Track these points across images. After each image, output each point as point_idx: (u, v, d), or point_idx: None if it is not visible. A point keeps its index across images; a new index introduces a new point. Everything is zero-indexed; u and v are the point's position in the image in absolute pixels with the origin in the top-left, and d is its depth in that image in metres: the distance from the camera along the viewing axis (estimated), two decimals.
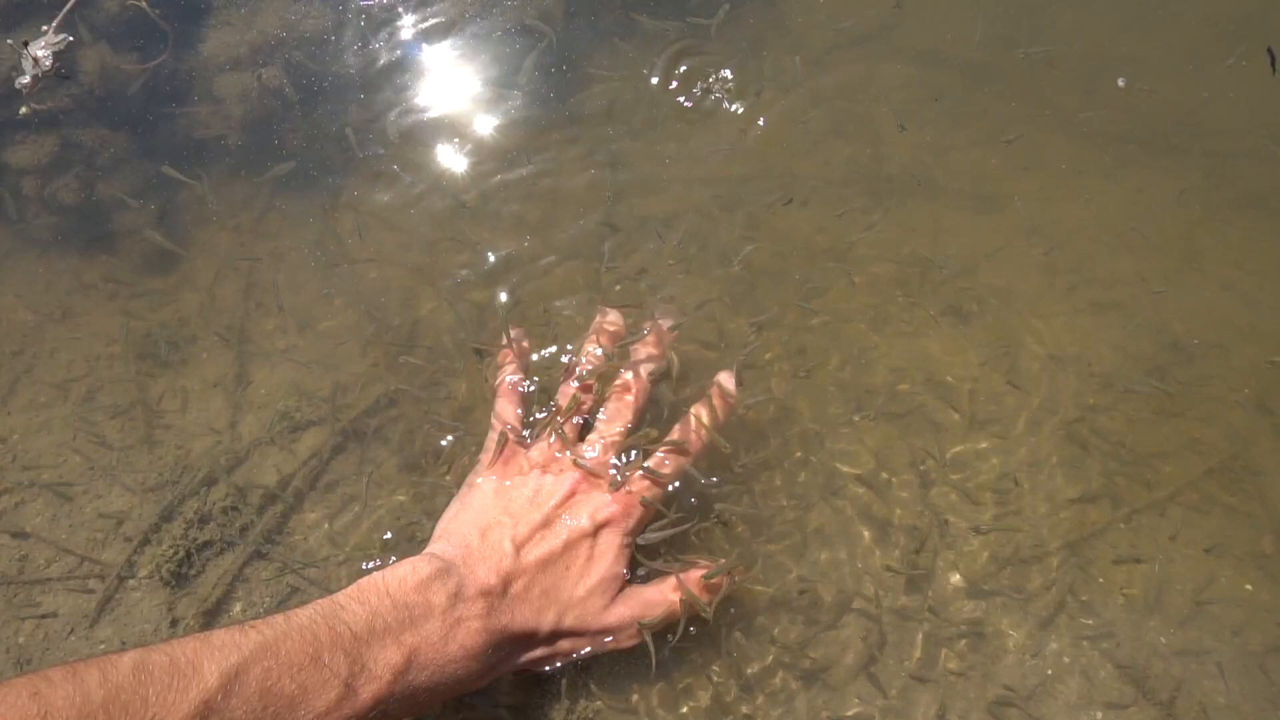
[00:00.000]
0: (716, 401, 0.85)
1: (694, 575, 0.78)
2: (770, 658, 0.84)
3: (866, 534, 0.91)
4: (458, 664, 0.68)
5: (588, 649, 0.75)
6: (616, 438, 0.81)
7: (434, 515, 0.82)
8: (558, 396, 0.87)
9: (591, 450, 0.81)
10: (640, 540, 0.79)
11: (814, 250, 1.09)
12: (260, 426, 0.99)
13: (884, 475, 0.94)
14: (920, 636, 0.86)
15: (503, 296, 1.03)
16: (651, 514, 0.80)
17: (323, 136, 1.15)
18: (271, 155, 1.14)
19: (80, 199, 1.09)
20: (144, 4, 1.09)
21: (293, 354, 1.03)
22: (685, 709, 0.81)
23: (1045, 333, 1.05)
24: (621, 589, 0.76)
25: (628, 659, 0.81)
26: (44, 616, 0.88)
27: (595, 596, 0.74)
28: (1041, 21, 1.35)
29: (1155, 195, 1.19)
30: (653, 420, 0.89)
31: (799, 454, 0.95)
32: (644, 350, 0.88)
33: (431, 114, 1.17)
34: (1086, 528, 0.92)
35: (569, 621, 0.73)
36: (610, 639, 0.75)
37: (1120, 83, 1.26)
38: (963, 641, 0.86)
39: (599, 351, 0.87)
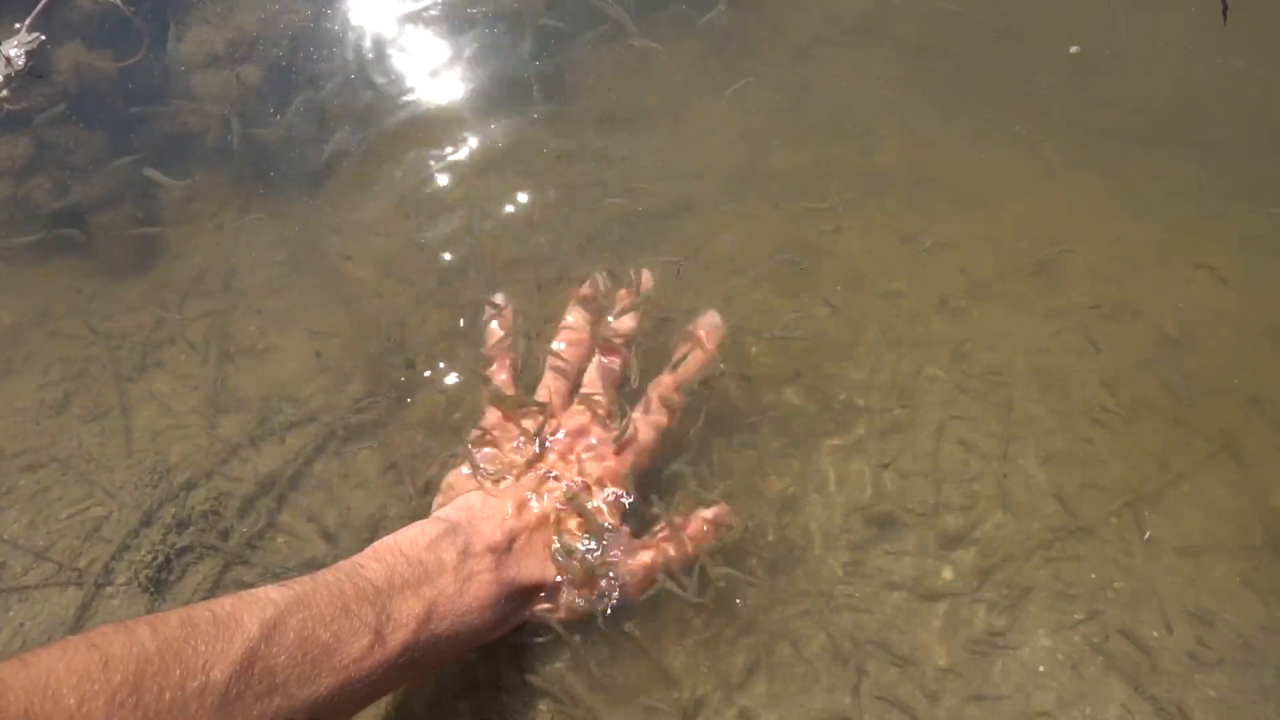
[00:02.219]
0: (704, 340, 0.89)
1: (693, 524, 0.82)
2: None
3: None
4: (474, 614, 0.72)
5: (593, 596, 0.78)
6: (606, 394, 0.85)
7: (419, 516, 0.81)
8: (547, 363, 0.89)
9: (583, 409, 0.84)
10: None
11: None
12: (240, 429, 0.97)
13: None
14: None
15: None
16: (645, 465, 0.83)
17: (303, 134, 1.13)
18: (252, 154, 1.12)
19: (56, 200, 1.08)
20: (118, 1, 1.07)
21: (273, 355, 1.02)
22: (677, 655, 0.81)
23: (1035, 329, 1.04)
24: (621, 539, 0.79)
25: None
26: (20, 625, 0.87)
27: (595, 549, 0.78)
28: (1032, 14, 1.35)
29: (1149, 189, 1.19)
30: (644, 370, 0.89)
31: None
32: (624, 307, 0.91)
33: (414, 108, 1.16)
34: (1076, 519, 0.91)
35: (578, 571, 0.77)
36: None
37: (1073, 50, 1.26)
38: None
39: (571, 320, 0.90)
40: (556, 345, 0.89)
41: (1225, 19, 1.13)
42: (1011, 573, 0.88)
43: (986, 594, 0.87)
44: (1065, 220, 1.15)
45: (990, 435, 0.96)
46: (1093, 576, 0.88)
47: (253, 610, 0.61)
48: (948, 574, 0.89)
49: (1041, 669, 0.83)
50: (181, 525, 0.90)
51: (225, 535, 0.90)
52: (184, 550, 0.90)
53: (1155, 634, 0.85)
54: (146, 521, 0.91)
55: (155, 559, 0.88)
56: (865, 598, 0.86)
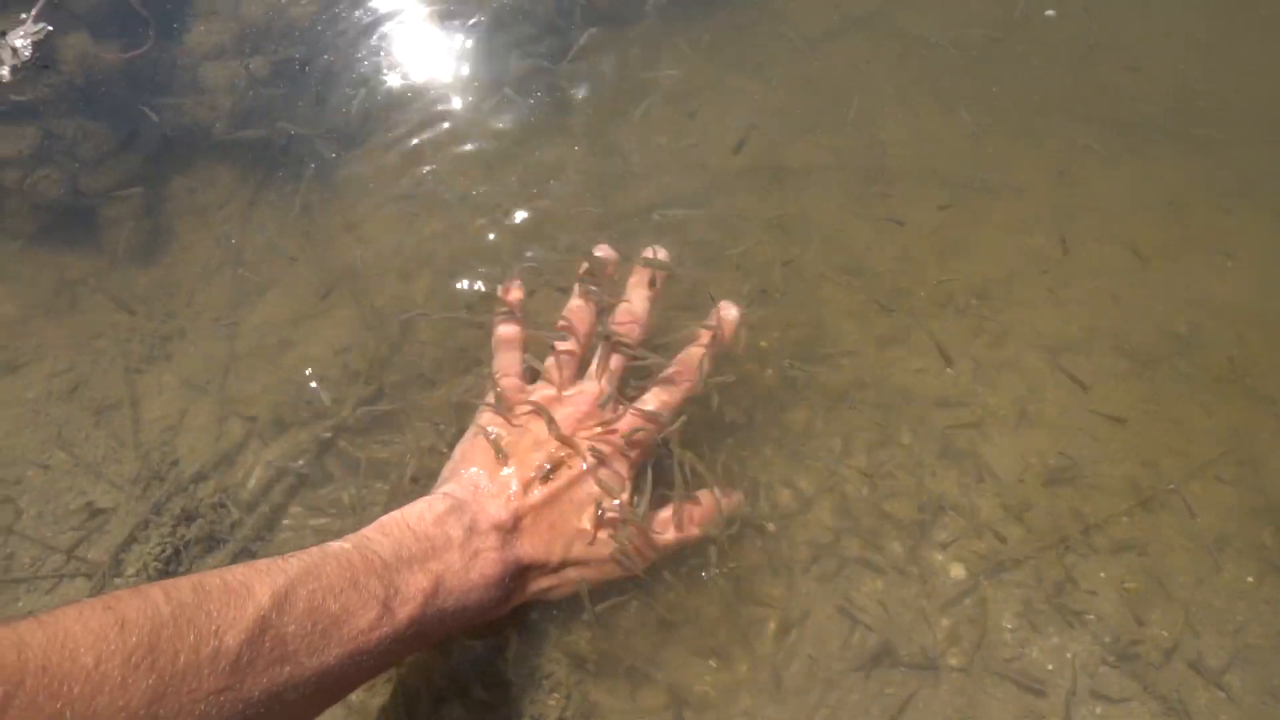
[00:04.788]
0: (720, 329, 0.88)
1: (697, 507, 0.82)
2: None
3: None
4: (479, 590, 0.72)
5: (595, 576, 0.79)
6: (613, 378, 0.85)
7: None
8: (554, 344, 0.88)
9: (589, 392, 0.84)
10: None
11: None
12: (248, 423, 0.97)
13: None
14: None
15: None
16: (651, 446, 0.83)
17: (314, 127, 1.13)
18: (261, 146, 1.12)
19: (63, 191, 1.07)
20: None
21: (282, 349, 1.02)
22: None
23: (1040, 323, 1.04)
24: (624, 520, 0.79)
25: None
26: (28, 615, 0.87)
27: (597, 529, 0.78)
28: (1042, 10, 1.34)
29: (1155, 182, 1.18)
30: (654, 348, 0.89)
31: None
32: (636, 285, 0.91)
33: (425, 103, 1.16)
34: (1085, 519, 0.91)
35: (575, 552, 0.77)
36: (613, 567, 0.79)
37: (1049, 13, 1.26)
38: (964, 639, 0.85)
39: (580, 304, 0.90)
40: (560, 325, 0.89)
41: None
42: (1022, 574, 0.88)
43: (993, 591, 0.87)
44: (1074, 211, 1.15)
45: (1001, 422, 0.96)
46: (1102, 575, 0.88)
47: (264, 579, 0.61)
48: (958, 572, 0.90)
49: (1050, 667, 0.83)
50: (190, 518, 0.91)
51: (234, 527, 0.90)
52: (192, 542, 0.90)
53: (1164, 633, 0.85)
54: (155, 513, 0.91)
55: (164, 551, 0.88)
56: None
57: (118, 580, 0.88)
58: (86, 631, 0.53)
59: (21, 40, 1.06)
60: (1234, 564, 0.89)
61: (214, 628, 0.57)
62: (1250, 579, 0.89)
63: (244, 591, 0.60)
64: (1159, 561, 0.89)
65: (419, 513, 0.73)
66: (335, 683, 0.63)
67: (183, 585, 0.59)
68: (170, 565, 0.88)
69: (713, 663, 0.83)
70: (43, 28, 1.07)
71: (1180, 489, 0.93)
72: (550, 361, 0.87)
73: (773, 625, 0.85)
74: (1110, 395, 0.99)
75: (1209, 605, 0.86)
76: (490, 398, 0.85)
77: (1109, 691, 0.82)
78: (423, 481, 0.89)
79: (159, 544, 0.89)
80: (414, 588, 0.68)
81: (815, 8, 1.33)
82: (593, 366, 0.86)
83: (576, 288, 0.91)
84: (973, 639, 0.84)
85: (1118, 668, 0.83)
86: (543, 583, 0.77)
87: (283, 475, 0.93)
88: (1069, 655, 0.84)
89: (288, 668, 0.59)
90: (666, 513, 0.81)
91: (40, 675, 0.50)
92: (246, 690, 0.57)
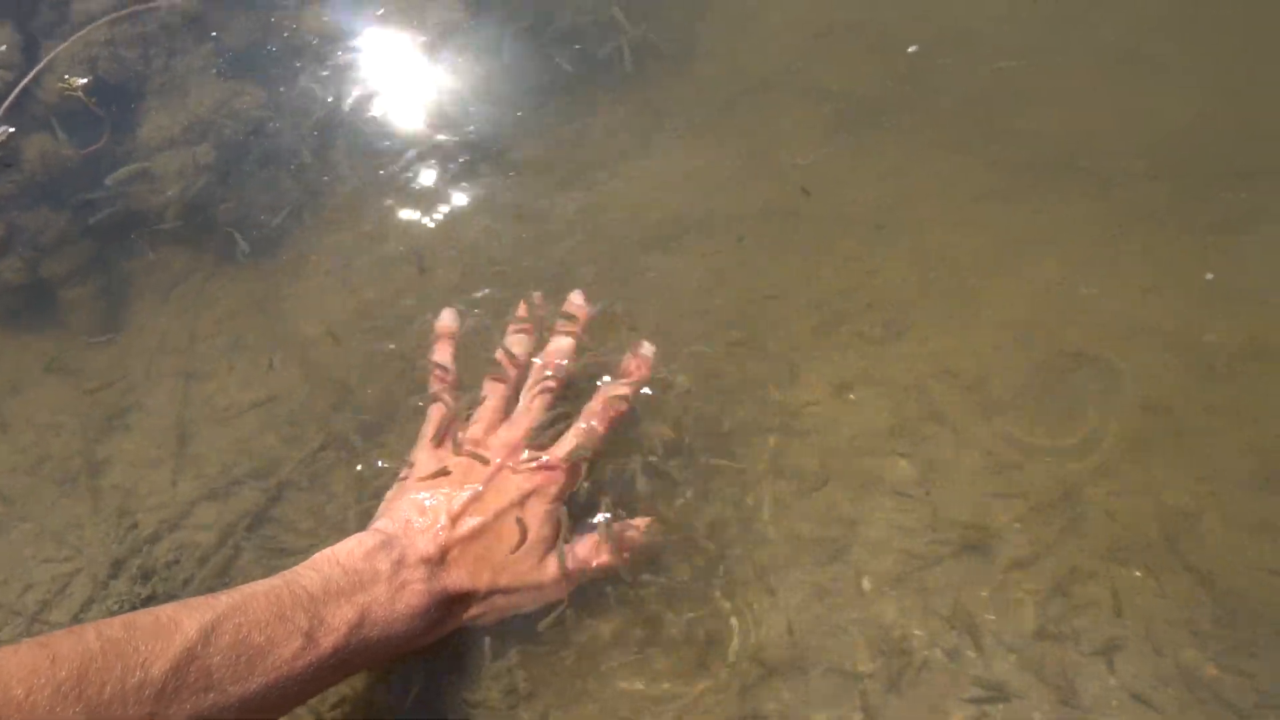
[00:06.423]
0: (633, 369, 0.96)
1: (617, 534, 0.88)
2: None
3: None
4: (405, 621, 0.77)
5: (522, 604, 0.85)
6: (538, 415, 0.91)
7: None
8: (484, 384, 0.96)
9: (516, 428, 0.90)
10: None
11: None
12: (201, 484, 1.04)
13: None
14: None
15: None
16: (574, 479, 0.89)
17: (257, 206, 1.22)
18: (208, 228, 1.21)
19: (26, 278, 1.16)
20: (81, 94, 1.17)
21: (232, 413, 1.09)
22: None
23: (943, 352, 1.13)
24: (550, 548, 0.86)
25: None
26: None
27: (525, 558, 0.84)
28: (932, 65, 1.46)
29: (1051, 216, 1.29)
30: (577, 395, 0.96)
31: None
32: (561, 334, 0.99)
33: (362, 179, 1.25)
34: (980, 534, 0.99)
35: (503, 581, 0.83)
36: (541, 593, 0.85)
37: (911, 49, 1.38)
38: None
39: (516, 343, 0.98)
40: (497, 358, 0.96)
41: None
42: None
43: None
44: (976, 251, 1.24)
45: (911, 459, 1.04)
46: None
47: (192, 614, 0.67)
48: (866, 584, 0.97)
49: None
50: (146, 576, 0.97)
51: (186, 583, 0.97)
52: (149, 599, 0.96)
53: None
54: (114, 574, 0.98)
55: (122, 607, 0.94)
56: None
57: None
58: (20, 666, 0.59)
59: None
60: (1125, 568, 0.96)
61: (140, 660, 0.62)
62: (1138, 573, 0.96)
63: (172, 626, 0.65)
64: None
65: (349, 549, 0.79)
66: (260, 708, 0.69)
67: (114, 623, 0.65)
68: None
69: (639, 684, 0.89)
70: (5, 129, 1.16)
71: (1078, 497, 1.01)
72: (485, 394, 0.95)
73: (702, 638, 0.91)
74: (1018, 417, 1.07)
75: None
76: (426, 432, 0.92)
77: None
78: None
79: (117, 601, 0.95)
80: (339, 619, 0.73)
81: (730, 71, 1.45)
82: (523, 400, 0.94)
83: (510, 326, 1.00)
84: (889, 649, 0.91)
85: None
86: (472, 611, 0.83)
87: (233, 530, 1.00)
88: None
89: (212, 695, 0.65)
90: (589, 541, 0.88)
91: None
92: (171, 716, 0.63)
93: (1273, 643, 0.92)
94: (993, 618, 0.93)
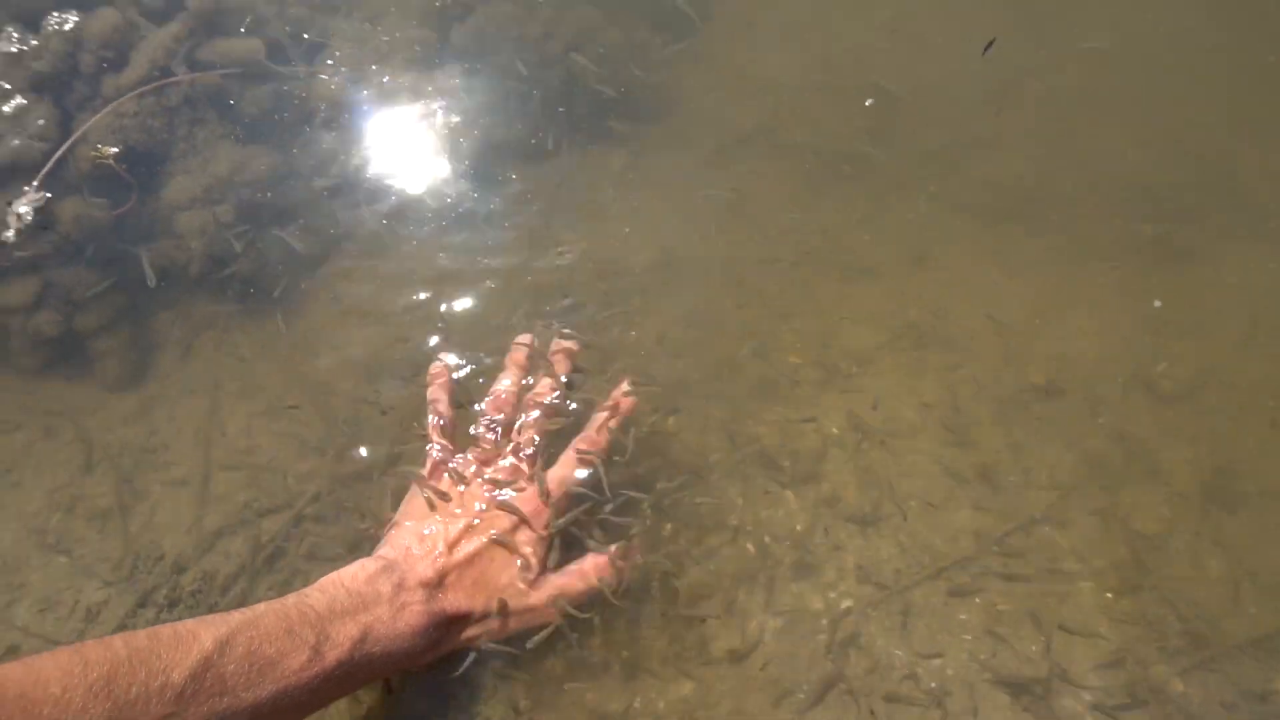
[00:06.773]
0: (619, 404, 1.03)
1: (602, 560, 0.95)
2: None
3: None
4: (405, 639, 0.84)
5: (516, 625, 0.91)
6: (530, 448, 0.99)
7: None
8: (477, 421, 1.04)
9: (509, 460, 0.98)
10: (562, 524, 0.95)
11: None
12: (223, 518, 1.12)
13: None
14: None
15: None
16: (563, 508, 0.96)
17: (274, 261, 1.32)
18: (228, 281, 1.31)
19: (60, 330, 1.25)
20: (111, 161, 1.27)
21: (252, 453, 1.18)
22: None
23: (912, 384, 1.21)
24: (542, 573, 0.92)
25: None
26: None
27: (517, 582, 0.91)
28: (904, 117, 1.57)
29: (1014, 254, 1.38)
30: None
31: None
32: (554, 364, 1.07)
33: (372, 233, 1.35)
34: (948, 559, 1.06)
35: (498, 604, 0.89)
36: (534, 615, 0.91)
37: (868, 103, 1.48)
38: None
39: (507, 383, 1.06)
40: (488, 401, 1.04)
41: (985, 52, 1.36)
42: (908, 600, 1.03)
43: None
44: (943, 288, 1.34)
45: (876, 484, 1.12)
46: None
47: (210, 628, 0.74)
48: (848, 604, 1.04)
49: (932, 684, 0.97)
50: (172, 604, 1.05)
51: (211, 609, 1.04)
52: None
53: (1034, 648, 1.00)
54: (142, 603, 1.05)
55: None
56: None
57: None
58: (56, 667, 0.67)
59: (25, 207, 1.25)
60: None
61: (163, 666, 0.70)
62: (1109, 594, 1.04)
63: (191, 638, 0.73)
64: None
65: (353, 573, 0.86)
66: (270, 713, 0.75)
67: (140, 634, 0.72)
68: None
69: (637, 703, 0.96)
70: (43, 195, 1.27)
71: (1046, 517, 1.09)
72: (479, 426, 1.02)
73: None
74: (982, 439, 1.15)
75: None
76: (423, 464, 0.99)
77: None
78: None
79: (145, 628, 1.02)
80: (344, 635, 0.80)
81: (709, 129, 1.56)
82: (514, 435, 1.01)
83: (506, 362, 1.09)
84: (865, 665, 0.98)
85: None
86: (470, 631, 0.90)
87: (253, 560, 1.08)
88: (950, 672, 0.98)
89: (226, 699, 0.72)
90: (581, 564, 0.94)
91: (17, 701, 0.63)
92: (190, 716, 0.70)
93: (1233, 656, 0.99)
94: (969, 638, 1.00)
